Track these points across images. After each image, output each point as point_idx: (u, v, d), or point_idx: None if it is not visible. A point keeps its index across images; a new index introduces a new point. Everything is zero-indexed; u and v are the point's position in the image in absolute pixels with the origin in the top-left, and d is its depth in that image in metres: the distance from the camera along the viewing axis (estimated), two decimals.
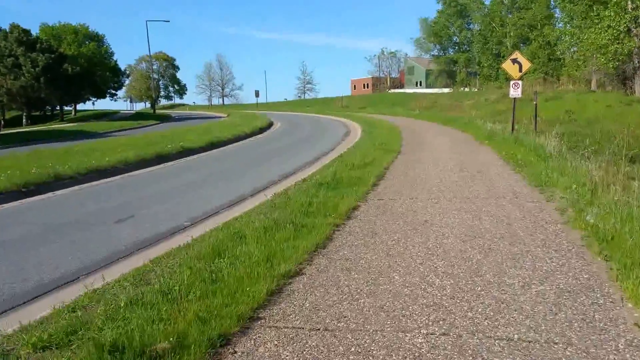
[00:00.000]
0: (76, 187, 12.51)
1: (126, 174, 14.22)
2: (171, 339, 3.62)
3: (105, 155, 15.77)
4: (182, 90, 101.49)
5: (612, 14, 28.72)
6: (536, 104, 20.11)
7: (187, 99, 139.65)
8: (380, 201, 8.83)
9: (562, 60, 44.49)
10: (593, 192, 7.92)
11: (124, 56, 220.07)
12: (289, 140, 23.52)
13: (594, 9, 30.30)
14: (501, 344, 3.72)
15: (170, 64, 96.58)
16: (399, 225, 7.21)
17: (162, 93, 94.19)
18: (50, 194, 11.66)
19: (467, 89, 61.04)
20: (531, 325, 4.01)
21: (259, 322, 4.18)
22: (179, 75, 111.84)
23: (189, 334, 3.73)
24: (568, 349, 3.64)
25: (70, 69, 40.29)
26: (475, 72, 67.70)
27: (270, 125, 32.88)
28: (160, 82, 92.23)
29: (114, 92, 48.82)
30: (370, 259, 5.76)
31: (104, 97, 46.63)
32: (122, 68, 54.52)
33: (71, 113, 41.02)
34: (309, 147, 19.70)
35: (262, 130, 28.54)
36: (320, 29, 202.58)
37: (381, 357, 3.58)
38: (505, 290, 4.75)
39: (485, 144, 16.95)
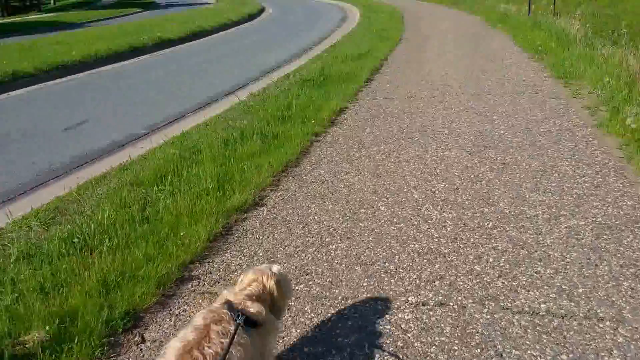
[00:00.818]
0: (35, 87, 11.11)
1: (94, 70, 12.72)
2: (48, 327, 2.54)
3: (73, 49, 14.17)
4: None
5: None
6: None
7: None
8: (373, 101, 7.49)
9: None
10: (631, 86, 6.54)
11: None
12: (279, 29, 21.53)
13: None
14: (523, 322, 2.63)
15: None
16: (392, 132, 5.95)
17: None
18: (4, 96, 10.32)
19: None
20: (563, 287, 2.90)
21: (189, 286, 3.09)
22: None
23: (80, 315, 2.65)
24: (620, 329, 2.54)
25: None
26: None
27: (261, 11, 30.36)
28: None
29: None
30: (352, 182, 4.58)
31: None
32: None
33: (50, 2, 38.15)
34: (300, 36, 17.87)
35: (251, 17, 26.25)
36: None
37: (348, 351, 2.50)
38: (525, 228, 3.60)
39: (498, 28, 15.15)
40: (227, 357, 1.71)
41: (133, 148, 6.19)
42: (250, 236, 3.67)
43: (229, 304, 1.97)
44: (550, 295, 2.83)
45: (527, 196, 4.10)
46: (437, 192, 4.27)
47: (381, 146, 5.47)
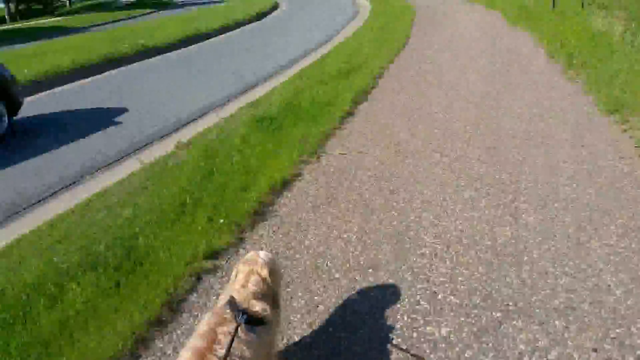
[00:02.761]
0: None
1: (49, 91, 10.19)
2: None
3: (33, 62, 11.80)
4: None
5: None
6: None
7: None
8: (339, 160, 4.78)
9: None
10: None
11: None
12: (281, 31, 18.71)
13: None
14: None
15: None
16: (348, 246, 3.26)
17: None
18: None
19: None
20: None
21: None
22: None
23: None
24: None
25: None
26: None
27: (273, 8, 27.53)
28: None
29: None
30: None
31: None
32: None
33: (67, 5, 35.46)
34: (299, 39, 15.07)
35: (259, 16, 23.48)
36: None
37: None
38: None
39: (519, 27, 12.10)
40: (232, 357, 1.63)
41: None
42: None
43: (231, 304, 1.85)
44: None
45: None
46: None
47: (316, 294, 2.80)
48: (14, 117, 6.99)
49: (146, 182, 4.42)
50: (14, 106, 6.81)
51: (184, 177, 4.33)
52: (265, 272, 2.00)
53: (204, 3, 38.11)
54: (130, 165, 5.11)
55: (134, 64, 12.56)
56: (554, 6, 13.33)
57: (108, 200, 4.14)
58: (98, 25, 24.34)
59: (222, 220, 3.52)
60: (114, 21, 25.72)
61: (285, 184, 4.28)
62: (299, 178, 4.43)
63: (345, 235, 3.41)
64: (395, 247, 3.22)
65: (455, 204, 3.70)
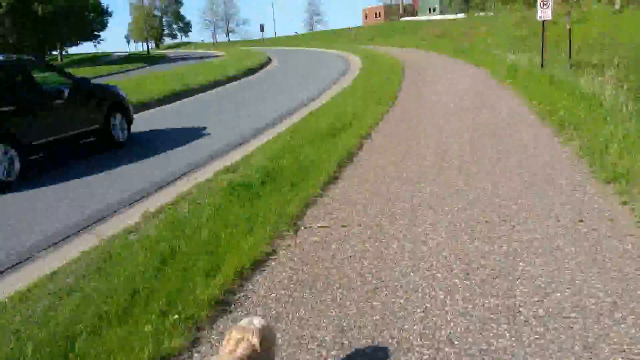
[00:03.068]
0: None
1: None
2: None
3: None
4: (186, 28, 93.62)
5: None
6: (570, 29, 14.92)
7: (194, 36, 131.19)
8: (318, 239, 4.36)
9: None
10: None
11: None
12: (271, 86, 18.74)
13: None
14: None
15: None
16: None
17: (166, 31, 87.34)
18: None
19: (482, 14, 53.68)
20: None
21: None
22: (182, 11, 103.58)
23: None
24: None
25: (41, 10, 33.66)
26: None
27: (265, 64, 27.84)
28: (164, 19, 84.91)
29: (97, 34, 40.57)
30: None
31: (86, 39, 38.50)
32: (106, 6, 46.36)
33: (58, 59, 35.70)
34: (288, 96, 14.99)
35: (251, 71, 23.65)
36: None
37: None
38: None
39: (507, 85, 12.08)
40: None
41: None
42: None
43: None
44: None
45: None
46: None
47: None
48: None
49: (101, 262, 3.96)
50: (129, 121, 9.21)
51: (142, 257, 3.89)
52: (256, 340, 1.97)
53: (196, 58, 38.64)
54: (85, 242, 4.65)
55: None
56: (542, 66, 13.37)
57: (55, 285, 3.68)
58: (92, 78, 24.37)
59: (176, 316, 3.05)
60: (104, 75, 25.81)
61: (257, 266, 3.85)
62: (273, 257, 4.01)
63: (319, 334, 2.95)
64: (376, 350, 2.77)
65: (445, 294, 3.28)
